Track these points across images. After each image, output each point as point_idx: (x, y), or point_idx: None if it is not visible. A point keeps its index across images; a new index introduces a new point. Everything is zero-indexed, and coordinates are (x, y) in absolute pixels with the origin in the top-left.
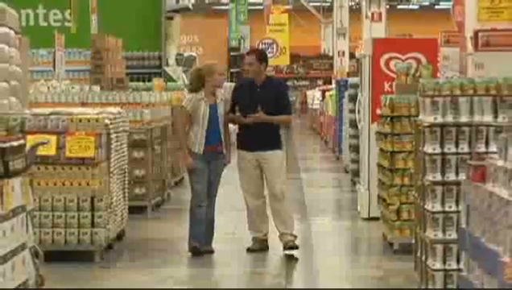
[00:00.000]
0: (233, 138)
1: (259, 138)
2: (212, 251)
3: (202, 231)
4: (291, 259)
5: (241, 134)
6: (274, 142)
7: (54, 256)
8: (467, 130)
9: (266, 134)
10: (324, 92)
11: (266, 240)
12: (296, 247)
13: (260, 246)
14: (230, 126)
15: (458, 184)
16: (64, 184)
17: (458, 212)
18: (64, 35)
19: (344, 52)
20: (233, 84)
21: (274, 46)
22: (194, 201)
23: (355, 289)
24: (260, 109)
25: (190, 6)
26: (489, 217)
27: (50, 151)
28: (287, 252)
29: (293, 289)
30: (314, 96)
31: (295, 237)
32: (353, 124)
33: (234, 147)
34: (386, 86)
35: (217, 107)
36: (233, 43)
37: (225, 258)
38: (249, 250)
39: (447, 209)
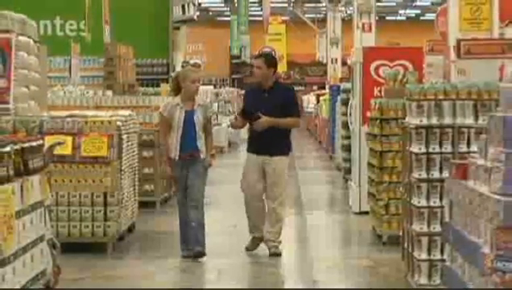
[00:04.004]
0: (223, 143)
1: (266, 143)
2: (202, 254)
3: (188, 236)
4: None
5: (251, 137)
6: (280, 148)
7: (70, 247)
8: (450, 131)
9: (274, 138)
10: (318, 96)
11: (263, 237)
12: (279, 254)
13: (255, 246)
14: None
15: (442, 181)
16: (79, 181)
17: (442, 207)
18: (79, 44)
19: (337, 60)
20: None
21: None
22: (178, 208)
23: (353, 289)
24: (262, 114)
25: (195, 18)
26: (470, 211)
27: (66, 150)
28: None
29: (292, 289)
30: (309, 100)
31: (280, 242)
32: (345, 126)
33: (224, 153)
34: (376, 91)
35: (194, 113)
36: (235, 52)
37: (226, 249)
38: (247, 249)
39: (431, 204)
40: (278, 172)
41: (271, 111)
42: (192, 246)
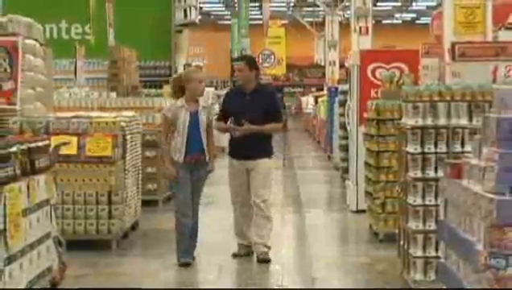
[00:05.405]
0: (225, 143)
1: (248, 147)
2: (189, 265)
3: (190, 243)
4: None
5: (232, 141)
6: (262, 151)
7: (75, 245)
8: (445, 132)
9: (255, 142)
10: (316, 98)
11: (251, 246)
12: (268, 260)
13: (245, 252)
14: (216, 133)
15: (437, 180)
16: (84, 181)
17: (437, 205)
18: (84, 47)
19: (334, 62)
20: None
21: (272, 57)
22: (178, 212)
23: (351, 289)
24: (245, 122)
25: (197, 21)
26: (464, 210)
27: (71, 150)
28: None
29: (291, 289)
30: (308, 101)
31: (269, 248)
32: (343, 126)
33: (225, 153)
34: (372, 92)
35: (199, 114)
36: (236, 54)
37: (226, 246)
38: (235, 255)
39: (427, 202)
40: (264, 175)
41: (254, 115)
42: (183, 256)
